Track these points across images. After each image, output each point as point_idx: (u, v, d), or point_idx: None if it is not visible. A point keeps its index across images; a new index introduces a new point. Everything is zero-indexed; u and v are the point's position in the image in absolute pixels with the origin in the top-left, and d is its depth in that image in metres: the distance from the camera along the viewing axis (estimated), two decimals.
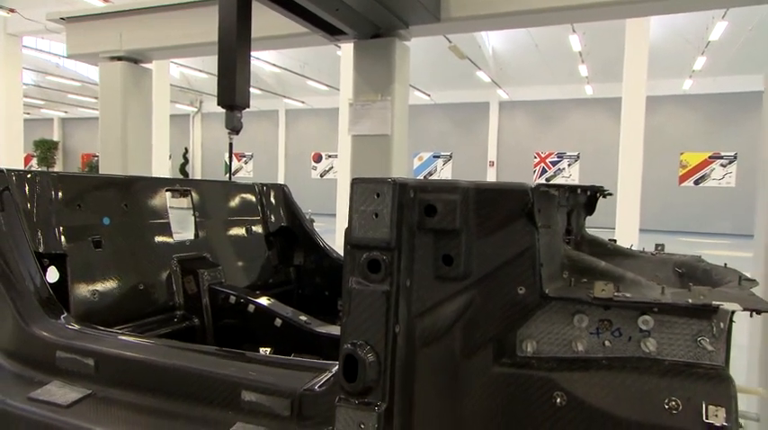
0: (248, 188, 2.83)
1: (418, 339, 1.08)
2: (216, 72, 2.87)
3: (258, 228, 2.81)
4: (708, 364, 1.04)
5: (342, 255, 1.10)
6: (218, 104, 2.85)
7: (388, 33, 3.80)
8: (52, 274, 1.82)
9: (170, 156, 17.87)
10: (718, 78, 18.22)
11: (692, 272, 1.69)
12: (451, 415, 1.12)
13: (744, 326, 3.07)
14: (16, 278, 1.63)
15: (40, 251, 1.76)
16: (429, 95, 22.05)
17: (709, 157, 19.89)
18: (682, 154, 20.18)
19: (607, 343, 1.11)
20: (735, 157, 19.45)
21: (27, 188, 1.79)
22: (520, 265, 1.10)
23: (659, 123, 19.43)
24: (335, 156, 19.62)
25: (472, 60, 17.63)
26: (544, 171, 22.20)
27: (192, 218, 2.50)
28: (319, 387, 1.22)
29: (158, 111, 6.61)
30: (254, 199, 2.83)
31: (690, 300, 1.04)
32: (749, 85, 16.93)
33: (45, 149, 29.42)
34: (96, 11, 5.01)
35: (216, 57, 2.86)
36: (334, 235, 8.64)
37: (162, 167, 11.93)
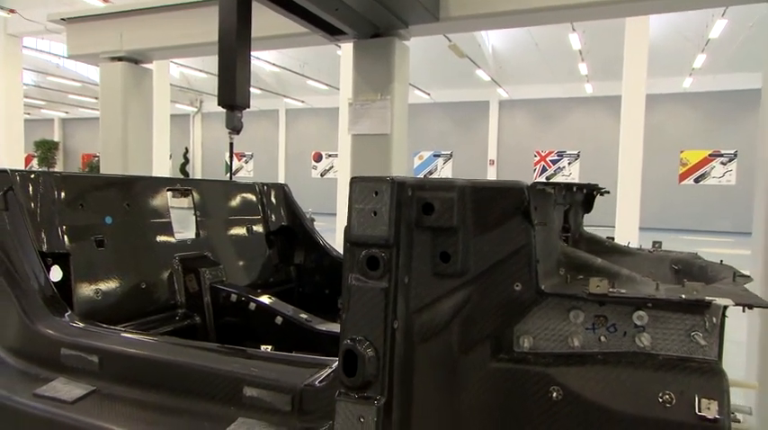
0: (249, 187, 2.85)
1: (416, 335, 1.10)
2: (216, 72, 2.88)
3: (259, 228, 2.83)
4: (701, 359, 1.06)
5: (342, 253, 1.12)
6: (219, 104, 2.87)
7: (388, 33, 3.81)
8: (56, 273, 1.84)
9: (170, 156, 17.89)
10: (718, 76, 18.22)
11: (689, 268, 1.71)
12: (449, 409, 1.14)
13: (742, 324, 3.09)
14: (21, 277, 1.65)
15: (44, 250, 1.78)
16: (429, 94, 22.05)
17: (710, 155, 19.88)
18: (682, 152, 20.18)
19: (602, 338, 1.12)
20: (735, 155, 19.45)
21: (31, 188, 1.81)
22: (516, 262, 1.12)
23: (659, 121, 19.43)
24: (336, 156, 19.64)
25: (472, 59, 17.64)
26: (544, 170, 22.20)
27: (194, 217, 2.53)
28: (319, 382, 1.25)
29: (158, 111, 6.63)
30: (254, 198, 2.85)
31: (683, 296, 1.06)
32: (749, 83, 16.92)
33: (46, 150, 29.47)
34: (97, 11, 5.03)
35: (216, 57, 2.88)
36: (334, 234, 8.66)
37: (162, 167, 11.93)
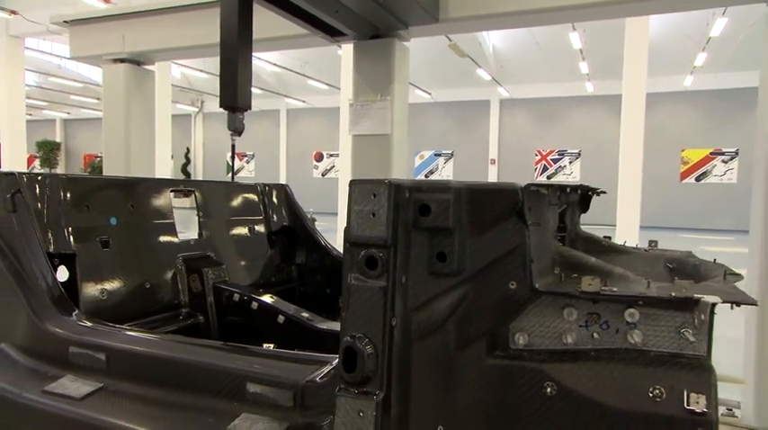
0: (251, 188, 2.89)
1: (414, 332, 1.13)
2: (217, 72, 2.90)
3: (261, 228, 2.86)
4: (691, 354, 1.09)
5: (342, 253, 1.15)
6: (221, 106, 2.89)
7: (388, 34, 3.83)
8: (62, 274, 1.88)
9: (172, 156, 17.94)
10: (719, 74, 18.21)
11: (683, 267, 1.74)
12: (446, 404, 1.17)
13: (740, 322, 3.11)
14: (29, 277, 1.69)
15: (51, 251, 1.82)
16: (430, 94, 22.07)
17: (711, 154, 19.87)
18: (683, 150, 20.18)
19: (595, 335, 1.15)
20: (736, 154, 19.44)
21: (38, 190, 1.85)
22: (511, 262, 1.16)
23: (661, 120, 19.43)
24: (337, 156, 19.68)
25: (473, 58, 17.66)
26: (545, 169, 22.21)
27: (196, 218, 2.56)
28: (320, 378, 1.28)
29: (160, 112, 6.67)
30: (256, 199, 2.89)
31: (673, 294, 1.09)
32: (751, 81, 16.87)
33: (48, 150, 29.54)
34: (99, 13, 5.06)
35: (217, 58, 2.90)
36: (335, 234, 8.69)
37: (164, 167, 11.99)
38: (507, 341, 1.19)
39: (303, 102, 24.92)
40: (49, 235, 1.83)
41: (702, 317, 1.07)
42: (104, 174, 5.16)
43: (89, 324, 1.65)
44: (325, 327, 2.07)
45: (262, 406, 1.30)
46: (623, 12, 4.28)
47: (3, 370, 1.61)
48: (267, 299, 2.26)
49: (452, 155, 23.77)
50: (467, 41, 16.17)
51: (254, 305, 2.23)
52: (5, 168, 14.97)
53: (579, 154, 21.73)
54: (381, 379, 1.06)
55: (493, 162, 22.77)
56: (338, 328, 1.13)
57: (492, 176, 22.48)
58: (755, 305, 1.05)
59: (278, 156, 26.43)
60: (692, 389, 1.03)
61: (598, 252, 1.87)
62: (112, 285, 2.03)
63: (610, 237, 2.10)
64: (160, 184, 2.37)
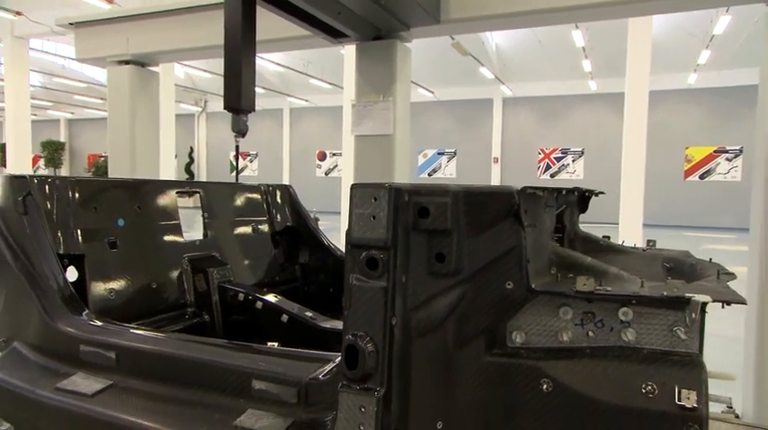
0: (255, 189, 2.92)
1: (414, 331, 1.17)
2: (220, 72, 2.93)
3: (264, 228, 2.90)
4: (683, 352, 1.12)
5: (344, 254, 1.19)
6: (225, 108, 2.92)
7: (390, 35, 3.86)
8: (71, 274, 1.93)
9: (176, 156, 18.00)
10: (723, 72, 18.13)
11: (680, 266, 1.77)
12: (446, 400, 1.21)
13: (740, 321, 3.13)
14: (41, 277, 1.74)
15: (61, 252, 1.86)
16: (433, 92, 22.07)
17: (715, 152, 19.80)
18: (687, 148, 20.11)
19: (590, 333, 1.19)
20: (740, 151, 19.36)
21: (47, 192, 1.89)
22: (508, 262, 1.19)
23: (664, 118, 19.37)
24: (340, 154, 19.70)
25: (475, 57, 17.64)
26: (548, 167, 22.18)
27: (201, 218, 2.60)
28: (323, 376, 1.32)
29: (163, 112, 6.70)
30: (260, 199, 2.92)
31: (665, 293, 1.12)
32: (755, 79, 16.71)
33: (52, 150, 29.66)
34: (103, 16, 5.11)
35: (220, 58, 2.93)
36: (338, 233, 8.73)
37: (168, 167, 12.03)
38: (505, 339, 1.22)
39: (306, 101, 24.95)
40: (59, 236, 1.88)
41: (693, 315, 1.10)
42: (109, 174, 5.20)
43: (99, 323, 1.70)
44: (328, 326, 2.11)
45: (267, 402, 1.34)
46: (625, 12, 4.29)
47: (16, 367, 1.66)
48: (271, 298, 2.29)
49: (455, 153, 23.76)
50: (469, 40, 16.17)
51: (259, 304, 2.27)
52: (11, 168, 15.02)
53: (582, 152, 21.69)
54: (382, 375, 1.10)
55: (496, 160, 22.75)
56: (341, 327, 1.16)
57: (495, 175, 22.47)
58: (744, 304, 1.08)
59: (281, 156, 26.46)
60: (684, 385, 1.06)
61: (596, 251, 1.91)
62: (120, 285, 2.07)
63: (609, 237, 2.13)
64: (166, 186, 2.42)
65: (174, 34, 4.66)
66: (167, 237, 2.34)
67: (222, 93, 2.90)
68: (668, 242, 2.14)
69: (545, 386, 1.16)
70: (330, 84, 20.74)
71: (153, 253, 2.26)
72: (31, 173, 1.98)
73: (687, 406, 1.04)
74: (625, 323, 1.16)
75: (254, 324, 2.28)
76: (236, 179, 3.51)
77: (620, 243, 2.07)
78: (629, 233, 9.18)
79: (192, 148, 28.08)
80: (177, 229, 2.39)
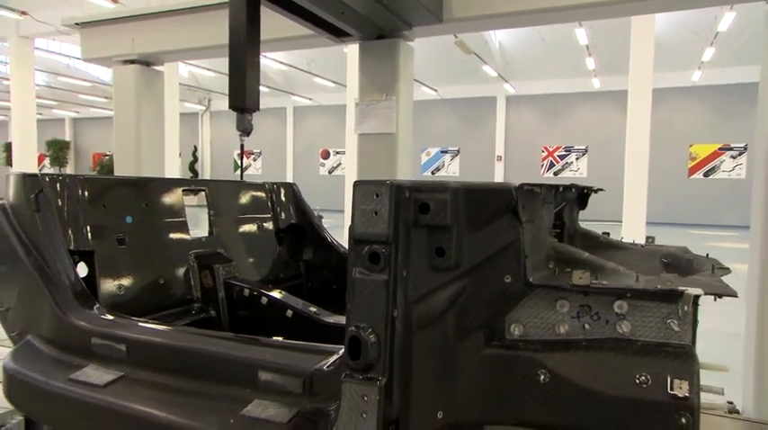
0: (259, 187, 2.97)
1: (415, 323, 1.21)
2: (223, 70, 2.97)
3: (269, 225, 2.94)
4: (676, 343, 1.15)
5: (347, 249, 1.23)
6: (230, 107, 2.96)
7: (392, 35, 3.89)
8: (81, 269, 1.97)
9: (180, 155, 18.07)
10: (727, 69, 18.06)
11: (677, 262, 1.80)
12: (446, 391, 1.25)
13: (740, 318, 3.16)
14: (53, 273, 1.79)
15: (71, 248, 1.91)
16: (436, 90, 22.08)
17: (719, 149, 19.74)
18: (691, 146, 20.06)
19: (586, 326, 1.22)
20: (745, 149, 19.29)
21: (59, 190, 1.94)
22: (506, 257, 1.23)
23: (668, 115, 19.31)
24: (343, 153, 19.73)
25: (478, 55, 17.64)
26: (552, 165, 22.16)
27: (206, 216, 2.65)
28: (327, 367, 1.36)
29: (168, 111, 6.72)
30: (264, 197, 2.96)
31: (658, 286, 1.16)
32: (759, 76, 16.74)
33: (57, 149, 29.83)
34: (109, 16, 5.16)
35: (225, 58, 2.96)
36: (342, 230, 8.75)
37: (172, 166, 12.10)
38: (503, 332, 1.26)
39: (310, 99, 24.99)
40: (70, 233, 1.93)
41: (686, 308, 1.13)
42: (115, 172, 5.26)
43: (110, 316, 1.75)
44: (331, 321, 2.14)
45: (273, 392, 1.39)
46: (628, 11, 4.29)
47: (30, 360, 1.71)
48: (276, 294, 2.33)
49: (458, 152, 23.77)
50: (473, 38, 16.17)
51: (264, 300, 2.31)
52: (16, 167, 15.11)
53: (586, 150, 21.66)
54: (384, 365, 1.14)
55: (499, 159, 22.74)
56: (344, 322, 1.20)
57: (498, 173, 22.47)
58: (735, 296, 1.11)
59: (285, 154, 26.53)
60: (676, 375, 1.10)
61: (596, 248, 1.94)
62: (129, 281, 2.12)
63: (608, 234, 2.16)
64: (172, 184, 2.46)
65: (180, 34, 4.70)
66: (174, 234, 2.38)
67: (227, 92, 2.94)
68: (672, 240, 2.16)
69: (542, 377, 1.19)
70: (334, 82, 20.77)
71: (160, 249, 2.30)
72: (37, 171, 2.03)
73: (679, 395, 1.07)
74: (620, 315, 1.20)
75: (259, 319, 2.32)
76: (241, 177, 3.56)
77: (620, 239, 2.10)
78: (633, 231, 9.18)
79: (195, 147, 28.18)
80: (184, 226, 2.43)
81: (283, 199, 3.05)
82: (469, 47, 15.93)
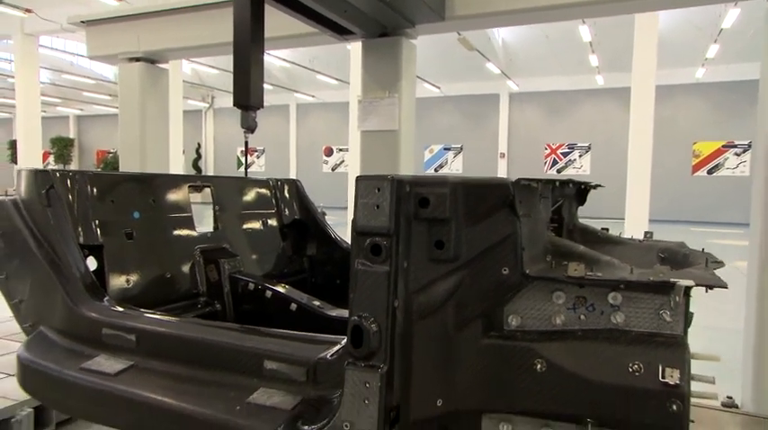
0: (263, 183, 3.01)
1: (415, 313, 1.25)
2: (227, 68, 3.00)
3: (273, 221, 2.98)
4: (668, 333, 1.19)
5: (350, 242, 1.27)
6: (234, 105, 2.99)
7: (395, 32, 3.91)
8: (91, 263, 2.02)
9: (183, 152, 18.16)
10: (731, 66, 17.99)
11: (674, 256, 1.84)
12: (445, 379, 1.29)
13: (740, 315, 3.18)
14: (64, 266, 1.84)
15: (81, 242, 1.96)
16: (439, 88, 22.07)
17: (723, 146, 19.68)
18: (694, 143, 20.00)
19: (582, 316, 1.26)
20: (749, 146, 19.22)
21: (69, 186, 1.99)
22: (503, 249, 1.27)
23: (672, 112, 19.26)
24: (346, 150, 19.77)
25: (481, 52, 17.63)
26: (555, 162, 22.13)
27: (211, 212, 2.69)
28: (331, 356, 1.40)
29: (172, 108, 6.77)
30: (268, 193, 3.01)
31: (651, 278, 1.19)
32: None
33: (62, 146, 29.92)
34: (115, 14, 5.20)
35: (228, 56, 2.99)
36: (345, 227, 8.78)
37: (176, 163, 12.16)
38: (501, 322, 1.30)
39: (312, 96, 25.01)
40: (80, 227, 1.98)
41: (678, 298, 1.17)
42: (120, 169, 5.31)
43: (120, 308, 1.80)
44: (335, 314, 2.18)
45: (278, 381, 1.43)
46: (631, 8, 4.29)
47: (43, 350, 1.76)
48: (280, 288, 2.38)
49: (462, 149, 23.76)
50: (476, 35, 16.16)
51: (269, 294, 2.35)
52: (21, 164, 15.19)
53: (589, 147, 21.62)
54: (385, 354, 1.18)
55: (502, 156, 22.72)
56: (347, 315, 1.25)
57: (502, 170, 22.46)
58: (725, 288, 1.15)
59: (288, 152, 26.58)
60: (668, 364, 1.14)
61: (595, 243, 1.97)
62: (136, 274, 2.17)
63: (607, 229, 2.19)
64: (178, 180, 2.51)
65: (185, 32, 4.74)
66: (180, 230, 2.43)
67: (230, 89, 2.97)
68: (674, 237, 2.17)
69: (539, 366, 1.23)
70: (336, 79, 20.79)
71: (167, 244, 2.35)
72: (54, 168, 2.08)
73: (671, 383, 1.11)
74: (614, 307, 1.23)
75: (263, 313, 2.36)
76: (245, 174, 3.60)
77: (618, 234, 2.13)
78: (636, 228, 9.17)
79: (199, 144, 28.26)
80: (189, 222, 2.48)
81: (287, 195, 3.09)
82: (472, 44, 15.92)
